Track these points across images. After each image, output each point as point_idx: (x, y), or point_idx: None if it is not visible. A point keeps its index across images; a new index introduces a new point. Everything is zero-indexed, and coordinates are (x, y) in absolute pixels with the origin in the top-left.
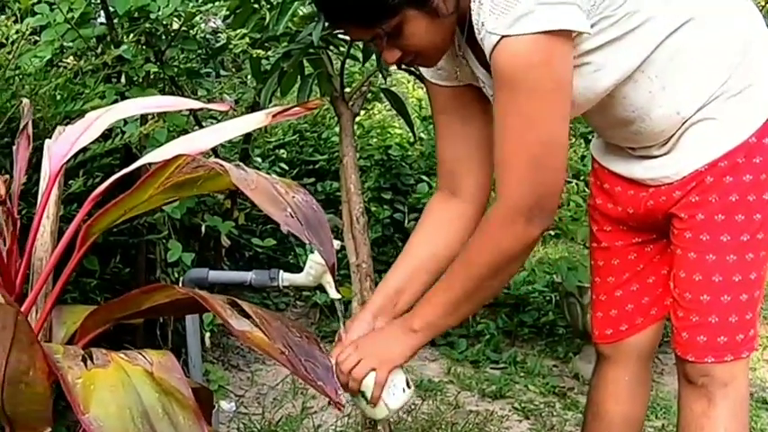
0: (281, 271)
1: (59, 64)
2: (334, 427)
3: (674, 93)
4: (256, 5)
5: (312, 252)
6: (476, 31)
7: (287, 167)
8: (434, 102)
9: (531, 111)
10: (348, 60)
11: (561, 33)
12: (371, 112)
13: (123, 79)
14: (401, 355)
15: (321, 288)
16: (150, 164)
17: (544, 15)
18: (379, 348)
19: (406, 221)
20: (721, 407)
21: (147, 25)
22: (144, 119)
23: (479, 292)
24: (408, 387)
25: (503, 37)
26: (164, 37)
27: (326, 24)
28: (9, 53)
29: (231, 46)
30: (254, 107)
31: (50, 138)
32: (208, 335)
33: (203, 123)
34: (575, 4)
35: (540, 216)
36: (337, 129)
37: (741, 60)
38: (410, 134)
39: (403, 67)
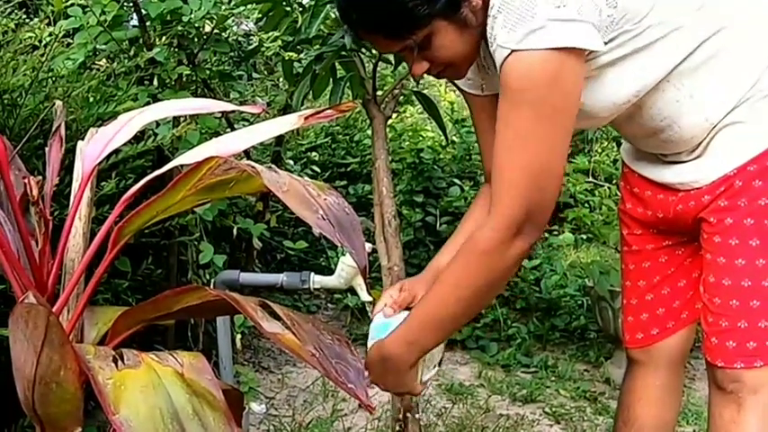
0: (313, 273)
1: (92, 66)
2: (364, 430)
3: (703, 100)
4: (288, 8)
5: (344, 254)
6: (489, 44)
7: (319, 170)
8: (471, 109)
9: (532, 126)
10: (380, 63)
11: (572, 51)
12: (404, 115)
13: (156, 82)
14: (410, 382)
15: (352, 291)
16: (182, 166)
17: (555, 32)
18: (391, 386)
19: (438, 225)
20: (751, 413)
21: (180, 28)
22: (176, 121)
23: (472, 310)
24: (439, 365)
25: (513, 51)
26: (196, 40)
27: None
28: (42, 56)
29: (263, 49)
30: (286, 110)
31: (83, 140)
32: (239, 337)
33: (235, 126)
34: (588, 22)
35: (532, 230)
36: (369, 131)
37: None
38: (442, 137)
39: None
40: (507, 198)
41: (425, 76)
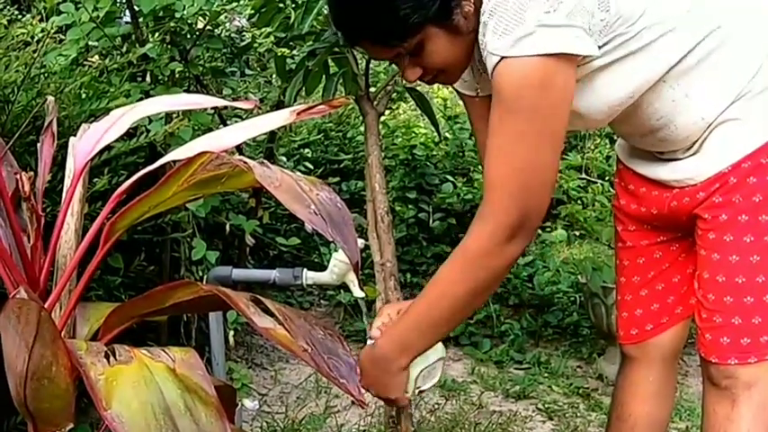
0: (305, 269)
1: (85, 63)
2: (357, 426)
3: (698, 99)
4: (281, 4)
5: (336, 251)
6: (481, 51)
7: (312, 167)
8: (469, 111)
9: (524, 132)
10: (373, 60)
11: (562, 56)
12: (396, 111)
13: (148, 78)
14: (399, 387)
15: (345, 287)
16: (174, 161)
17: (544, 38)
18: (379, 389)
19: (431, 221)
20: (745, 409)
21: (172, 24)
22: (169, 118)
23: (464, 312)
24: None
25: (503, 58)
26: (189, 36)
27: None
28: (35, 52)
29: (256, 45)
30: (278, 106)
31: (75, 136)
32: (232, 333)
33: (228, 122)
34: (579, 27)
35: (524, 234)
36: (362, 128)
37: (764, 61)
38: (435, 134)
39: None
40: (500, 204)
41: None
